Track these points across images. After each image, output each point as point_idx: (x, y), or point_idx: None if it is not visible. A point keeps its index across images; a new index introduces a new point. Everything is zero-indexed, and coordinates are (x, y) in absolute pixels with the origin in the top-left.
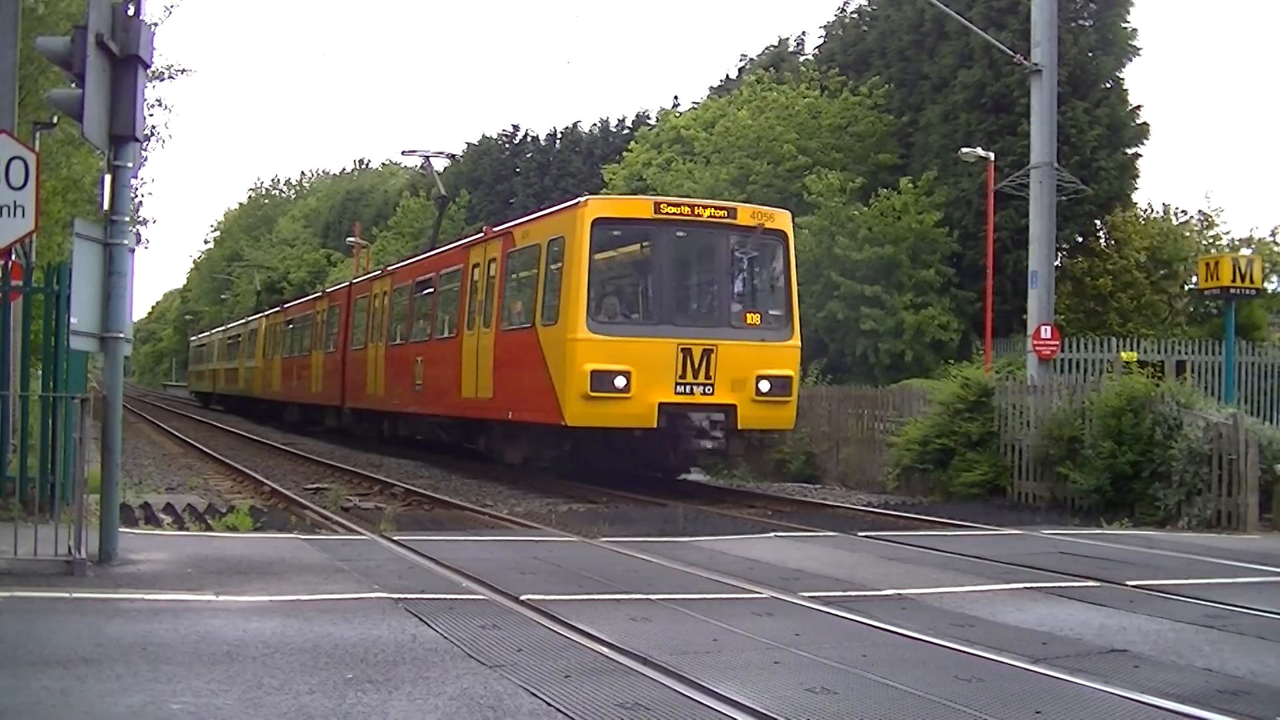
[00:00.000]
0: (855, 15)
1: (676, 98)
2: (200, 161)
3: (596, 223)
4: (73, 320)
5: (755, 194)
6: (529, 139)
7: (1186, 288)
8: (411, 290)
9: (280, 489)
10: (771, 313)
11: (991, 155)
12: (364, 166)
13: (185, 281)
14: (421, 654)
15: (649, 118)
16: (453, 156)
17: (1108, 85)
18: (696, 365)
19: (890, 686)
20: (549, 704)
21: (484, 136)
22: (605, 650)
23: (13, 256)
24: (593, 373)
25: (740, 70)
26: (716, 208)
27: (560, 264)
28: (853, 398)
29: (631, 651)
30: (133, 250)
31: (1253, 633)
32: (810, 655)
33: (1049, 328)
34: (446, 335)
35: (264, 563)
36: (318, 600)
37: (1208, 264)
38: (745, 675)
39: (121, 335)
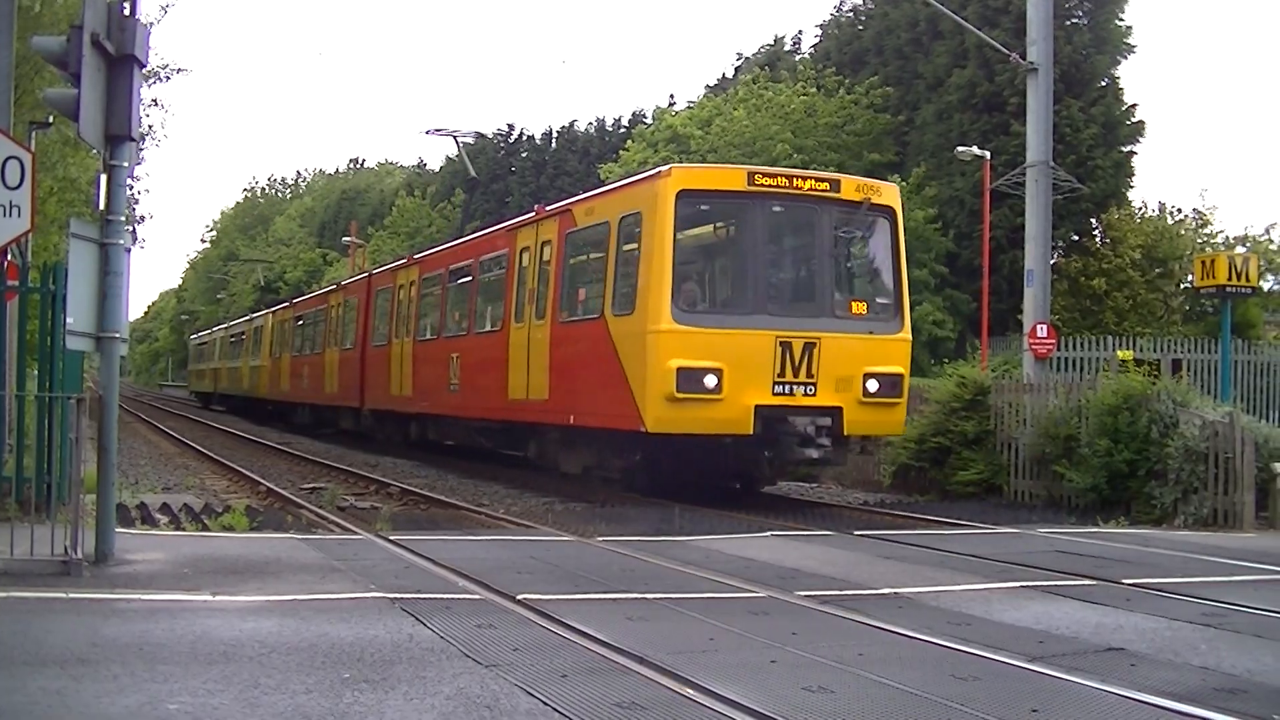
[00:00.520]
0: (851, 14)
1: (673, 96)
2: (196, 161)
3: (682, 195)
4: (68, 320)
5: None
6: (525, 138)
7: (1182, 286)
8: (445, 279)
9: (276, 489)
10: (879, 300)
11: (987, 154)
12: (359, 166)
13: (181, 281)
14: (418, 653)
15: (645, 117)
16: (481, 135)
17: (1103, 84)
18: (797, 362)
19: (887, 685)
20: (546, 703)
21: (479, 135)
22: (602, 649)
23: (9, 256)
24: (679, 370)
25: (736, 69)
26: (817, 179)
27: (637, 244)
28: None
29: (628, 651)
30: (128, 250)
31: (1249, 631)
32: (807, 654)
33: (1045, 326)
34: (489, 329)
35: (260, 562)
36: (314, 600)
37: (1204, 262)
38: (742, 674)
39: (117, 335)
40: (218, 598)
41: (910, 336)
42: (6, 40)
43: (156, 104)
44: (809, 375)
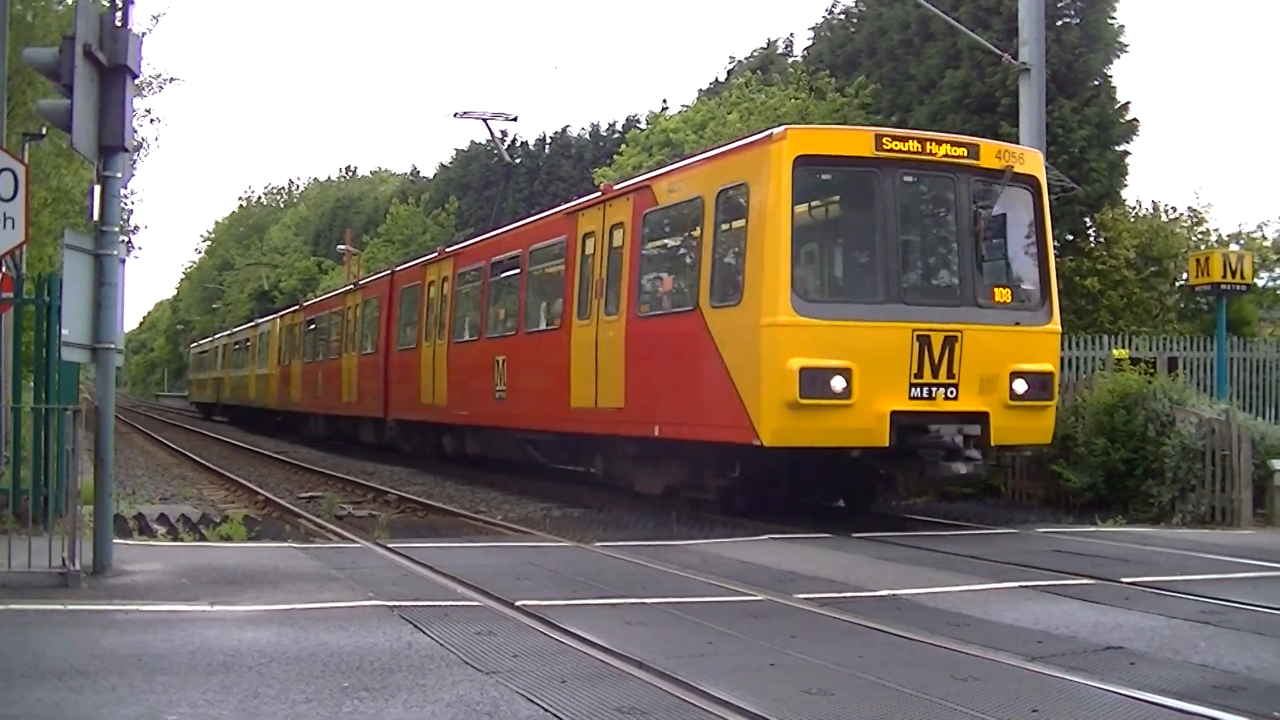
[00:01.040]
0: (843, 16)
1: (665, 101)
2: (190, 171)
3: (800, 162)
4: (64, 331)
5: None
6: (518, 144)
7: (1177, 284)
8: (487, 273)
9: (274, 498)
10: (1024, 286)
11: None
12: (352, 174)
13: (176, 291)
14: (417, 661)
15: (639, 121)
16: (514, 119)
17: (1096, 83)
18: (936, 359)
19: (886, 687)
20: (545, 709)
21: (472, 142)
22: (601, 655)
23: (3, 268)
24: (803, 371)
25: (729, 72)
26: (953, 143)
27: (743, 220)
28: None
29: (627, 655)
30: (123, 261)
31: (1248, 628)
32: (806, 657)
33: None
34: (545, 328)
35: (259, 572)
36: (313, 609)
37: (1198, 260)
38: (741, 678)
39: (113, 346)
40: (216, 608)
41: (1060, 328)
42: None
43: (150, 114)
44: (950, 375)
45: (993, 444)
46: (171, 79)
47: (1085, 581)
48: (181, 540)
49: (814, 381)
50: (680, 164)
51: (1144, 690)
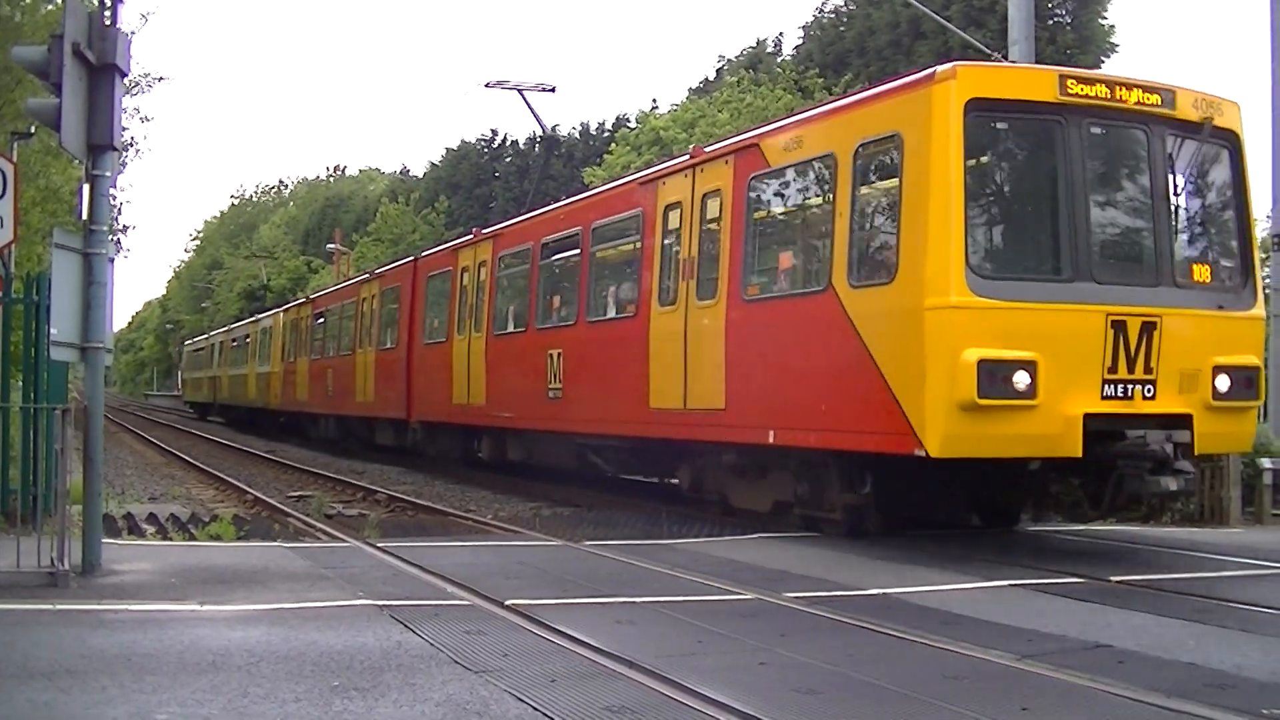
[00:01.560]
0: (833, 15)
1: (655, 100)
2: (179, 170)
3: (973, 107)
4: (53, 331)
5: None
6: (508, 143)
7: None
8: (536, 255)
9: (263, 497)
10: (1224, 263)
11: None
12: (341, 173)
13: (165, 290)
14: (407, 660)
15: (629, 120)
16: (551, 89)
17: None
18: (1133, 350)
19: (876, 686)
20: (535, 709)
21: (463, 141)
22: (591, 654)
23: None
24: (982, 365)
25: (718, 71)
26: (1145, 89)
27: (895, 180)
28: None
29: (617, 655)
30: (112, 260)
31: (1237, 626)
32: (796, 655)
33: None
34: (614, 316)
35: (248, 571)
36: (302, 608)
37: None
38: (731, 677)
39: (102, 345)
40: (205, 607)
41: (1264, 314)
42: None
43: (139, 113)
44: (1147, 370)
45: (1196, 453)
46: (160, 78)
47: (1074, 580)
48: (171, 540)
49: (994, 378)
50: (803, 116)
51: (1133, 688)
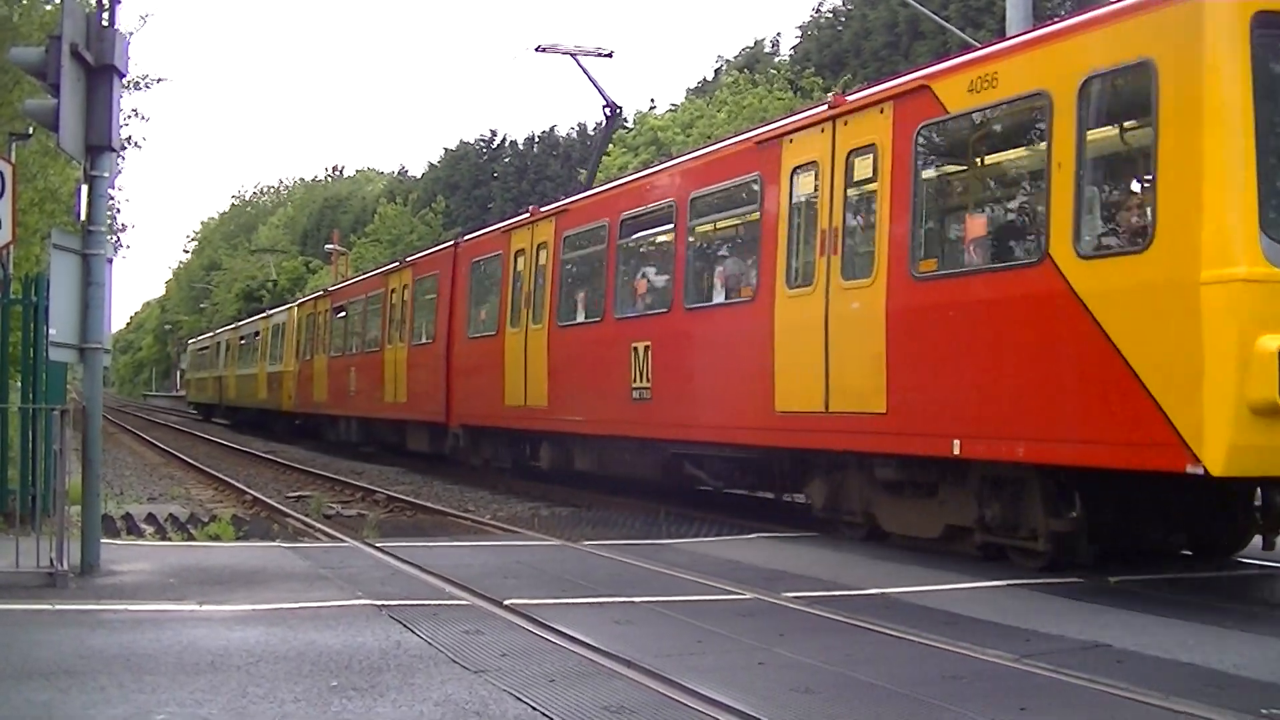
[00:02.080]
0: (830, 15)
1: (653, 100)
2: (177, 171)
3: (1260, 24)
4: (51, 331)
5: None
6: (506, 143)
7: None
8: (613, 233)
9: (262, 497)
10: None
11: None
12: (339, 174)
13: (164, 291)
14: (406, 660)
15: (626, 121)
16: (609, 55)
17: None
18: None
19: (874, 685)
20: (534, 708)
21: (461, 141)
22: (590, 654)
23: None
24: None
25: (716, 71)
26: None
27: (1146, 120)
28: None
29: (616, 654)
30: (110, 260)
31: (1236, 626)
32: (794, 655)
33: None
34: (724, 301)
35: (247, 571)
36: (301, 608)
37: None
38: (729, 676)
39: (100, 346)
40: (204, 607)
41: None
42: None
43: (137, 114)
44: None
45: None
46: (159, 79)
47: (1072, 580)
48: (169, 540)
49: None
50: (988, 50)
51: (1132, 688)
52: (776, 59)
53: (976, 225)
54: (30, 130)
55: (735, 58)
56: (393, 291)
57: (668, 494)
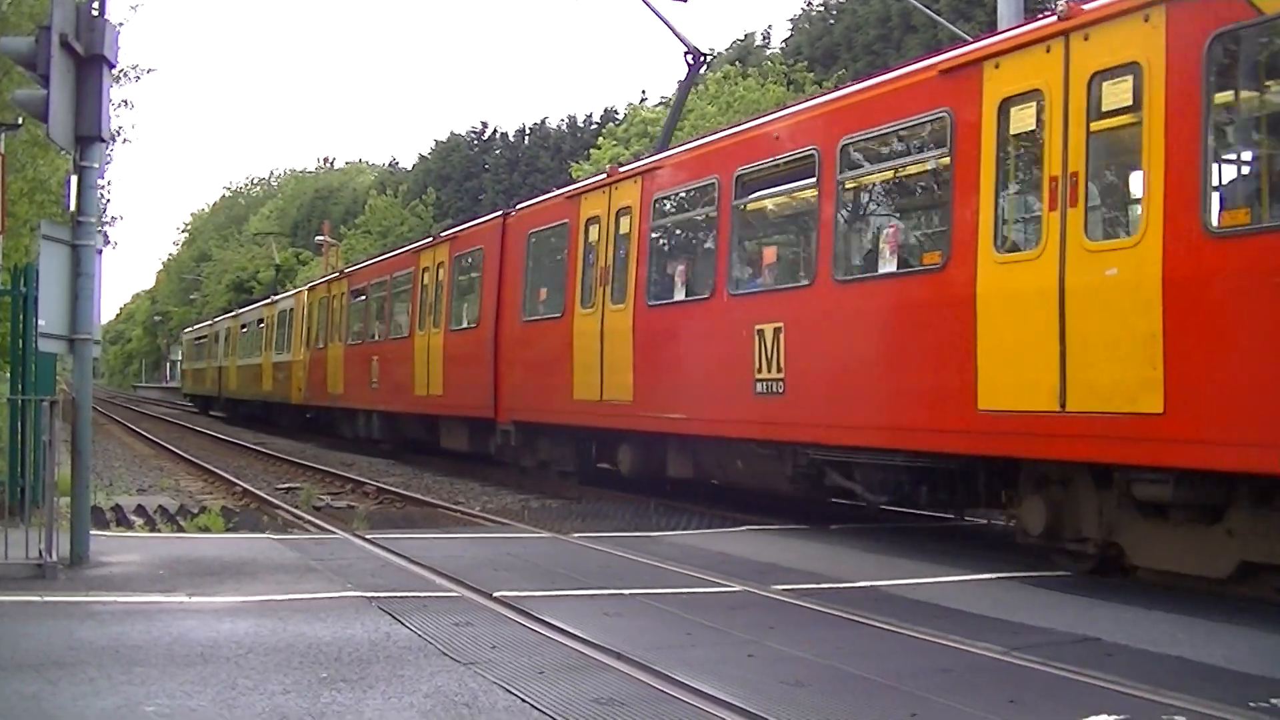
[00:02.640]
0: (822, 8)
1: (644, 92)
2: (168, 162)
3: None
4: (41, 322)
5: None
6: (497, 135)
7: None
8: (725, 193)
9: (252, 489)
10: None
11: None
12: (329, 165)
13: (154, 282)
14: (395, 652)
15: (617, 113)
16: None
17: None
18: None
19: (864, 678)
20: (523, 700)
21: (452, 134)
22: (579, 646)
23: None
24: None
25: (708, 64)
26: None
27: None
28: None
29: (605, 647)
30: (100, 251)
31: (1223, 620)
32: (784, 648)
33: None
34: (897, 271)
35: (237, 563)
36: (291, 600)
37: None
38: (719, 669)
39: (90, 337)
40: (194, 599)
41: None
42: None
43: (126, 104)
44: None
45: None
46: (149, 70)
47: (1062, 573)
48: (159, 531)
49: None
50: None
51: (1122, 680)
52: (768, 52)
53: None
54: (20, 120)
55: (726, 50)
56: (425, 271)
57: (657, 489)
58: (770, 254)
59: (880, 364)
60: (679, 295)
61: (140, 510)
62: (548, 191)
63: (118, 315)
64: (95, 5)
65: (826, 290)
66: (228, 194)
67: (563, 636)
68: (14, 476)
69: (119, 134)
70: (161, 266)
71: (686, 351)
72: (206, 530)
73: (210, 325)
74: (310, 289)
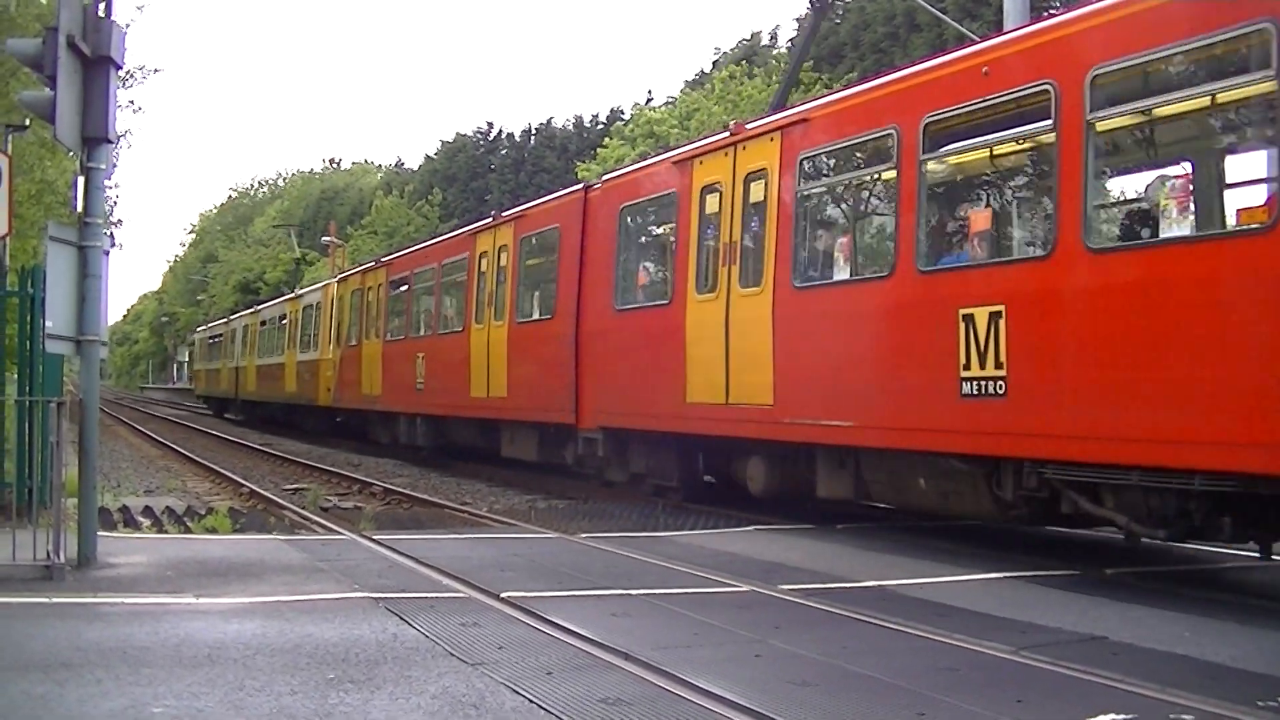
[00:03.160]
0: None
1: (650, 92)
2: (175, 164)
3: None
4: (48, 324)
5: None
6: (503, 135)
7: None
8: (909, 147)
9: (259, 490)
10: None
11: None
12: (335, 166)
13: (161, 284)
14: (403, 653)
15: (623, 113)
16: None
17: None
18: None
19: (871, 678)
20: (531, 701)
21: (458, 134)
22: (586, 646)
23: None
24: None
25: (714, 63)
26: None
27: None
28: None
29: (612, 647)
30: (107, 252)
31: (1232, 619)
32: (790, 648)
33: None
34: (1189, 234)
35: (244, 564)
36: (298, 601)
37: None
38: (726, 669)
39: (97, 338)
40: (201, 600)
41: None
42: None
43: (133, 105)
44: None
45: None
46: (155, 70)
47: (1069, 572)
48: (166, 532)
49: None
50: None
51: (1129, 680)
52: (774, 51)
53: None
54: (27, 122)
55: (732, 50)
56: (483, 255)
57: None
58: (980, 221)
59: (1162, 360)
60: (840, 275)
61: (147, 511)
62: (552, 191)
63: (125, 316)
64: (102, 6)
65: (1071, 264)
66: (234, 195)
67: (570, 637)
68: (21, 478)
69: (126, 136)
70: (168, 268)
71: (852, 343)
72: (213, 531)
73: (225, 323)
74: (341, 280)
